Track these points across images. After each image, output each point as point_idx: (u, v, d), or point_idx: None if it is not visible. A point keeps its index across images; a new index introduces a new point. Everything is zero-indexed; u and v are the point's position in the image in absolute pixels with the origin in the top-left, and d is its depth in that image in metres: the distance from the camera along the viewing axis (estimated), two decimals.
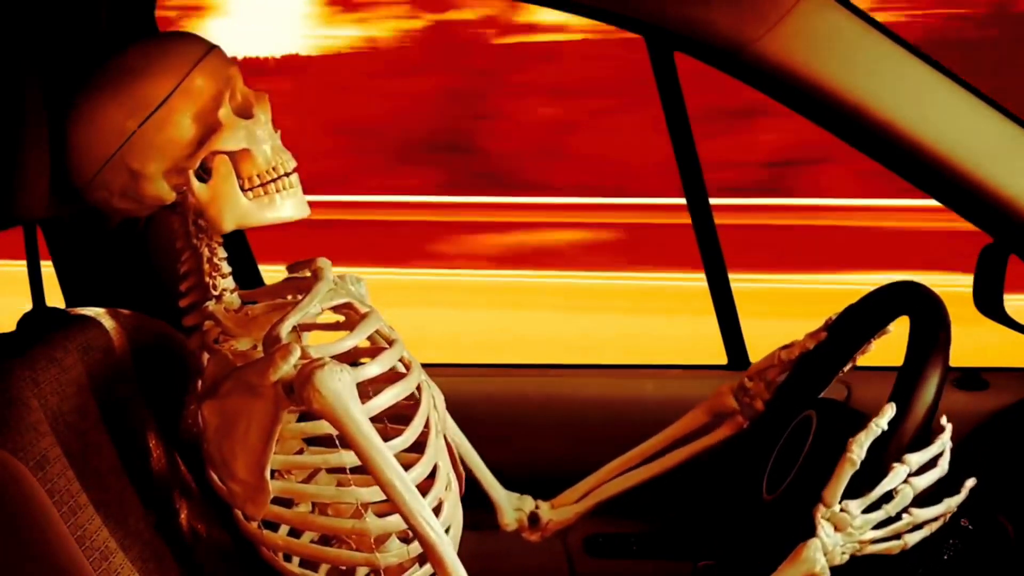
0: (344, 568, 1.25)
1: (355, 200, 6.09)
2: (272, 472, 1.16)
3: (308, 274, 1.28)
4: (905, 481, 1.15)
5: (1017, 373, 1.73)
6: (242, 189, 1.19)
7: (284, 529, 1.23)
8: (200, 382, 1.22)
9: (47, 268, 1.47)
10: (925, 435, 1.18)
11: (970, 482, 1.21)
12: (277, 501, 1.18)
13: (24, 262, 1.38)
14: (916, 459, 1.16)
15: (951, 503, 1.19)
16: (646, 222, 6.00)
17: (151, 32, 1.65)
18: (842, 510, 1.15)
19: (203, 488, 1.33)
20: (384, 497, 1.16)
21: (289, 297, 1.28)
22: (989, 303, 1.44)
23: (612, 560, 1.78)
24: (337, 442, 1.18)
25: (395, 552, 1.21)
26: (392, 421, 1.27)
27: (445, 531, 1.23)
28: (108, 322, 1.29)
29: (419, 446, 1.22)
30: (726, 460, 1.48)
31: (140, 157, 1.17)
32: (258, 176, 1.20)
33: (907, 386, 1.17)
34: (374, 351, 1.24)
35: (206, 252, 1.23)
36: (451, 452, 1.36)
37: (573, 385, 1.88)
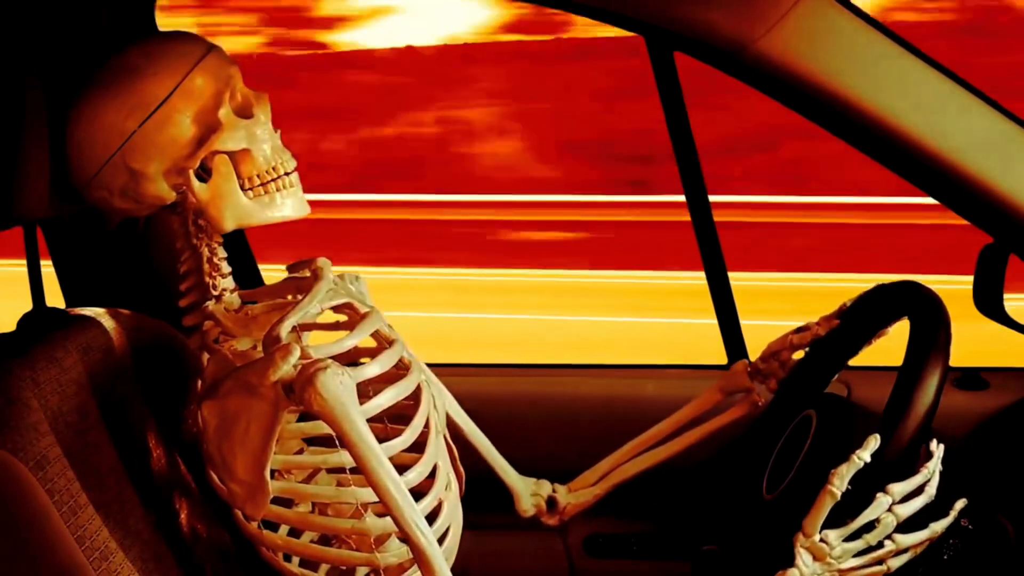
0: (344, 568, 1.25)
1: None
2: (272, 472, 1.16)
3: (308, 274, 1.28)
4: (889, 510, 1.15)
5: (1017, 373, 1.73)
6: (242, 189, 1.19)
7: (284, 529, 1.23)
8: (200, 382, 1.22)
9: (47, 268, 1.47)
10: (924, 436, 1.17)
11: (959, 504, 1.20)
12: (277, 501, 1.18)
13: (24, 262, 1.38)
14: (899, 489, 1.15)
15: (936, 528, 1.18)
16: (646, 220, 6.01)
17: (151, 32, 1.65)
18: (822, 540, 1.15)
19: (203, 488, 1.33)
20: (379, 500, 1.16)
21: (289, 297, 1.28)
22: (989, 303, 1.44)
23: (612, 560, 1.78)
24: (337, 442, 1.18)
25: (395, 552, 1.21)
26: (392, 421, 1.28)
27: (445, 531, 1.23)
28: (108, 322, 1.29)
29: (419, 446, 1.22)
30: (726, 458, 1.48)
31: (140, 157, 1.17)
32: (258, 176, 1.20)
33: (906, 387, 1.17)
34: (374, 351, 1.24)
35: (206, 252, 1.23)
36: (451, 452, 1.36)
37: (573, 385, 1.88)
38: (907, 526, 1.16)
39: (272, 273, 1.53)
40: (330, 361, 1.11)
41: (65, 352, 1.18)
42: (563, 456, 1.74)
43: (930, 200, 1.42)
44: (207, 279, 1.24)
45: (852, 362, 1.44)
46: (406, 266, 6.03)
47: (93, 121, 1.17)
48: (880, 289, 1.36)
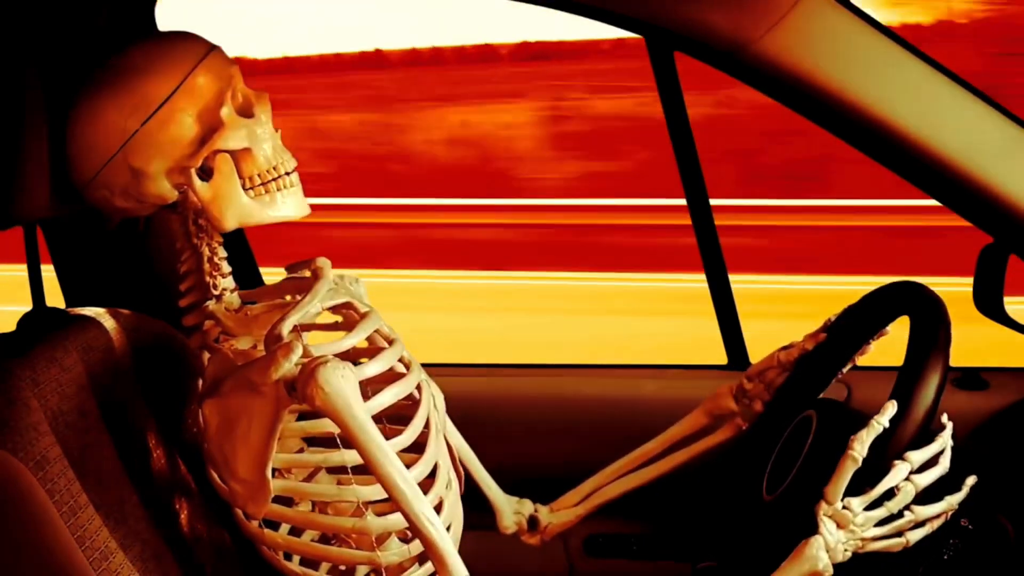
0: (344, 567, 1.25)
1: None
2: (273, 471, 1.16)
3: (308, 274, 1.29)
4: (907, 479, 1.15)
5: (1017, 373, 1.73)
6: (243, 188, 1.19)
7: (285, 528, 1.23)
8: (201, 381, 1.22)
9: (47, 268, 1.47)
10: (925, 435, 1.18)
11: (971, 480, 1.21)
12: (278, 500, 1.18)
13: (24, 265, 1.38)
14: (917, 457, 1.16)
15: (952, 501, 1.19)
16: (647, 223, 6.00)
17: (151, 32, 1.65)
18: (844, 507, 1.15)
19: (203, 488, 1.33)
20: (385, 496, 1.16)
21: (288, 297, 1.28)
22: (989, 303, 1.44)
23: (612, 560, 1.78)
24: (338, 440, 1.18)
25: (396, 551, 1.21)
26: (392, 421, 1.28)
27: (446, 530, 1.23)
28: (108, 322, 1.29)
29: (419, 446, 1.22)
30: (726, 460, 1.48)
31: (142, 156, 1.17)
32: (259, 175, 1.20)
33: (908, 386, 1.17)
34: (374, 351, 1.25)
35: (206, 252, 1.23)
36: (451, 451, 1.36)
37: (573, 385, 1.88)
38: (924, 502, 1.17)
39: (272, 274, 1.53)
40: (331, 356, 1.11)
41: (65, 352, 1.18)
42: (563, 456, 1.74)
43: (931, 202, 1.42)
44: (207, 279, 1.24)
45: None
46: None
47: (95, 120, 1.17)
48: (877, 293, 1.37)
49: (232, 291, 1.26)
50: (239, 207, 1.19)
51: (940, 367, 1.18)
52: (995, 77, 5.83)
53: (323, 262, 1.28)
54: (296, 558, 1.25)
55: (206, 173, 1.19)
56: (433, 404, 1.29)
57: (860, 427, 1.17)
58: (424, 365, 1.32)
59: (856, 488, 1.15)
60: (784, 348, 1.45)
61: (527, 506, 1.52)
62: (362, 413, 1.11)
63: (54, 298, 1.42)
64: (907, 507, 1.16)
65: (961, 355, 1.35)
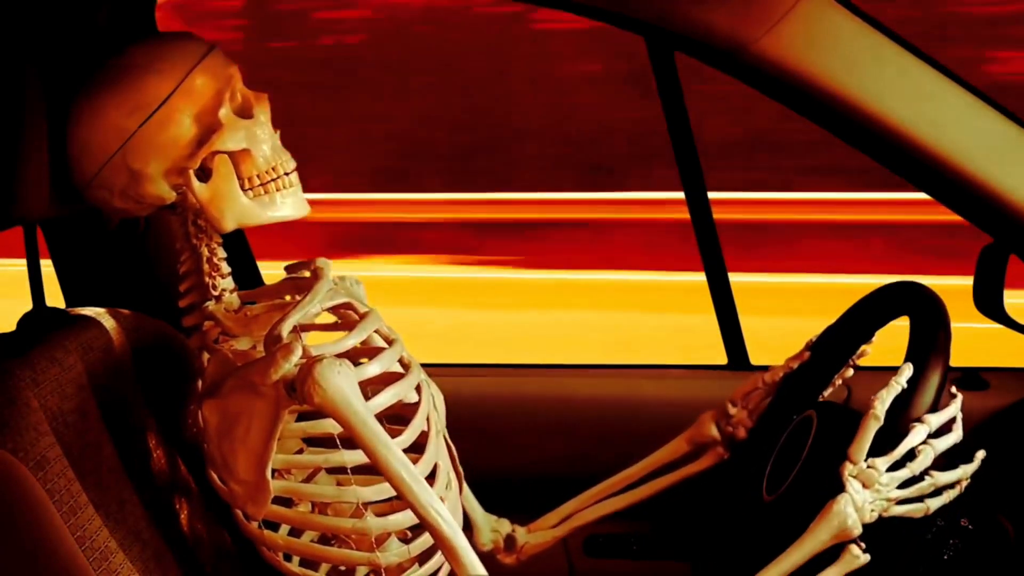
0: (344, 568, 1.25)
1: None
2: (272, 471, 1.16)
3: (307, 274, 1.28)
4: (926, 442, 1.16)
5: (1017, 373, 1.73)
6: (242, 189, 1.20)
7: (284, 529, 1.23)
8: (200, 382, 1.22)
9: (47, 268, 1.47)
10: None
11: (981, 453, 1.22)
12: (277, 501, 1.18)
13: (24, 261, 1.38)
14: (935, 419, 1.17)
15: (967, 469, 1.20)
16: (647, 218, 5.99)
17: (151, 32, 1.65)
18: (869, 467, 1.16)
19: (203, 488, 1.33)
20: (384, 496, 1.16)
21: (288, 298, 1.28)
22: (989, 303, 1.44)
23: (612, 560, 1.78)
24: (337, 441, 1.18)
25: (395, 552, 1.21)
26: (392, 421, 1.27)
27: None
28: (108, 322, 1.29)
29: (419, 446, 1.22)
30: (726, 461, 1.48)
31: (140, 157, 1.17)
32: (258, 176, 1.20)
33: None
34: (374, 351, 1.24)
35: (205, 252, 1.23)
36: (451, 452, 1.36)
37: (573, 385, 1.88)
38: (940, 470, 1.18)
39: (272, 273, 1.53)
40: (328, 353, 1.11)
41: (65, 352, 1.18)
42: (563, 456, 1.74)
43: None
44: (207, 279, 1.24)
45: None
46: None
47: (93, 121, 1.17)
48: (877, 293, 1.37)
49: (232, 291, 1.26)
50: (238, 208, 1.19)
51: (940, 367, 1.18)
52: None
53: (323, 262, 1.28)
54: (296, 559, 1.25)
55: (204, 174, 1.19)
56: (433, 404, 1.29)
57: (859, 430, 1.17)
58: (424, 365, 1.32)
59: (877, 451, 1.16)
60: (767, 371, 1.46)
61: (505, 525, 1.51)
62: (363, 408, 1.11)
63: (54, 298, 1.42)
64: (926, 471, 1.17)
65: (961, 355, 1.35)
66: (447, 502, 1.25)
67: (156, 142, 1.17)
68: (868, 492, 1.16)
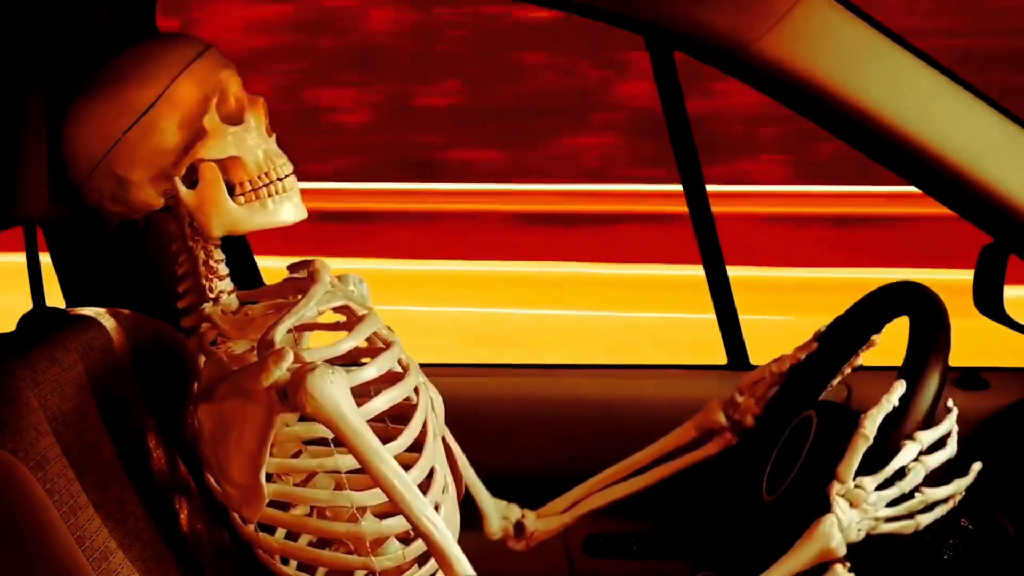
0: (341, 571, 1.25)
1: None
2: (268, 475, 1.16)
3: (306, 275, 1.28)
4: (917, 459, 1.16)
5: (1017, 373, 1.73)
6: (234, 194, 1.19)
7: (281, 532, 1.23)
8: (196, 384, 1.22)
9: (47, 268, 1.47)
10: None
11: (976, 465, 1.21)
12: (273, 504, 1.18)
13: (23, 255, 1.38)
14: (927, 436, 1.16)
15: (961, 484, 1.19)
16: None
17: (151, 32, 1.65)
18: (856, 486, 1.15)
19: (203, 488, 1.33)
20: (380, 500, 1.16)
21: (289, 298, 1.28)
22: (989, 303, 1.44)
23: (612, 560, 1.78)
24: (332, 445, 1.18)
25: (391, 556, 1.20)
26: (392, 421, 1.28)
27: None
28: (108, 322, 1.29)
29: (416, 449, 1.22)
30: (726, 460, 1.48)
31: (125, 163, 1.17)
32: (249, 181, 1.19)
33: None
34: (371, 353, 1.24)
35: (202, 255, 1.23)
36: (450, 455, 1.36)
37: (573, 385, 1.88)
38: (933, 485, 1.18)
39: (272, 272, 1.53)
40: (320, 361, 1.11)
41: (65, 352, 1.18)
42: (563, 456, 1.74)
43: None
44: (203, 281, 1.23)
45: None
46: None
47: (83, 125, 1.17)
48: (877, 293, 1.37)
49: (230, 293, 1.25)
50: (226, 215, 1.18)
51: (939, 369, 1.18)
52: None
53: (320, 264, 1.28)
54: (292, 562, 1.25)
55: (192, 180, 1.18)
56: (431, 407, 1.28)
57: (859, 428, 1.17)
58: (423, 365, 1.32)
59: (867, 469, 1.16)
60: (775, 360, 1.45)
61: (514, 511, 1.51)
62: (354, 417, 1.11)
63: (54, 298, 1.42)
64: (918, 488, 1.16)
65: (961, 355, 1.35)
66: (444, 505, 1.25)
67: (141, 149, 1.16)
68: (855, 511, 1.15)
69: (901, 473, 1.16)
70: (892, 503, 1.16)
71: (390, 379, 1.21)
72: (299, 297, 1.23)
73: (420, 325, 4.58)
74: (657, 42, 1.67)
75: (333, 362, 1.15)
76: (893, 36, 1.33)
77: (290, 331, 1.20)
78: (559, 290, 5.66)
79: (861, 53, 1.32)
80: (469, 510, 1.37)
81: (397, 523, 1.18)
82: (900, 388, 1.17)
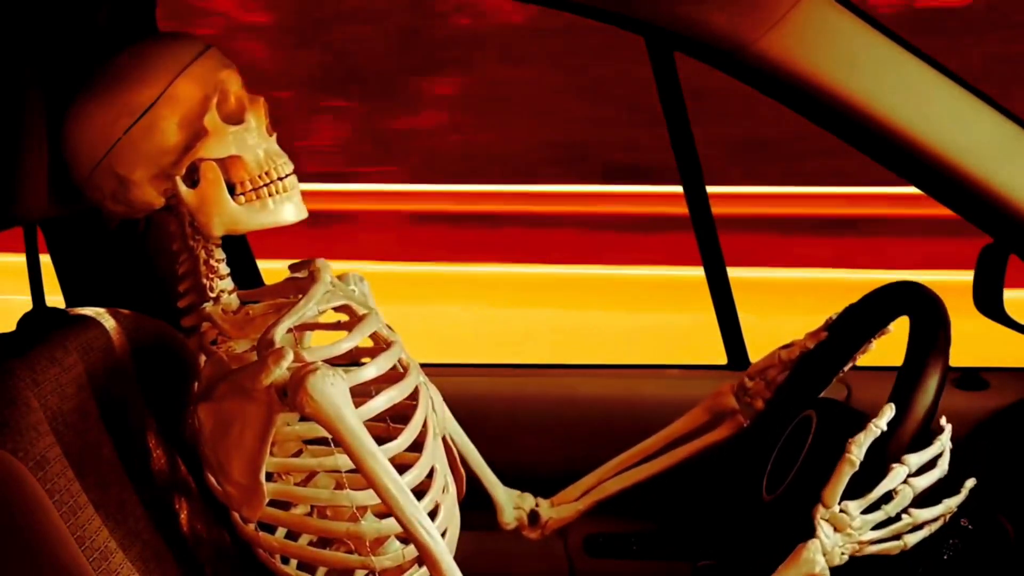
0: (341, 571, 1.25)
1: None
2: (268, 475, 1.16)
3: (306, 274, 1.28)
4: (905, 482, 1.15)
5: (1017, 373, 1.73)
6: (235, 194, 1.19)
7: (281, 531, 1.23)
8: (196, 384, 1.22)
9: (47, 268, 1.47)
10: (925, 436, 1.18)
11: (970, 482, 1.21)
12: (274, 503, 1.18)
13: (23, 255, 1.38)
14: (915, 460, 1.16)
15: (950, 503, 1.19)
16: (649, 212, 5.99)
17: (151, 32, 1.65)
18: (841, 511, 1.15)
19: (203, 488, 1.33)
20: (379, 500, 1.16)
21: (290, 298, 1.28)
22: (989, 303, 1.44)
23: (612, 560, 1.78)
24: (332, 444, 1.18)
25: (391, 555, 1.20)
26: (393, 420, 1.27)
27: (442, 535, 1.23)
28: (108, 322, 1.29)
29: (416, 448, 1.22)
30: (726, 460, 1.48)
31: (126, 163, 1.17)
32: (249, 181, 1.19)
33: (907, 387, 1.17)
34: (371, 352, 1.24)
35: (202, 254, 1.23)
36: (451, 455, 1.35)
37: (573, 385, 1.88)
38: (922, 505, 1.17)
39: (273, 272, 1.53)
40: (320, 363, 1.11)
41: (65, 352, 1.18)
42: (562, 457, 1.74)
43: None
44: (204, 281, 1.23)
45: None
46: None
47: (84, 124, 1.17)
48: (876, 293, 1.37)
49: (230, 292, 1.25)
50: (226, 214, 1.18)
51: (939, 369, 1.18)
52: None
53: (321, 263, 1.28)
54: (293, 562, 1.25)
55: (192, 180, 1.18)
56: (431, 407, 1.28)
57: (860, 428, 1.17)
58: (423, 365, 1.32)
59: (854, 490, 1.15)
60: (785, 346, 1.45)
61: (528, 500, 1.52)
62: (353, 419, 1.11)
63: (54, 298, 1.42)
64: (905, 510, 1.16)
65: (961, 355, 1.35)
66: (444, 505, 1.25)
67: (141, 149, 1.16)
68: (839, 536, 1.15)
69: (888, 496, 1.15)
70: (878, 526, 1.16)
71: (390, 379, 1.22)
72: (300, 297, 1.23)
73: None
74: (657, 42, 1.67)
75: (333, 362, 1.15)
76: (893, 36, 1.33)
77: (290, 331, 1.20)
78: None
79: (861, 53, 1.32)
80: (470, 510, 1.37)
81: (397, 523, 1.18)
82: (889, 412, 1.16)
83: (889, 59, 1.32)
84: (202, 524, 1.34)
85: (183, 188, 1.18)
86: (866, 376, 1.64)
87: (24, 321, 1.29)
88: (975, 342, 1.81)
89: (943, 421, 1.20)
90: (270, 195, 1.20)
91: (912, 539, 1.18)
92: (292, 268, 1.31)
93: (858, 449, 1.15)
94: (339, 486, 1.21)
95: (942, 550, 1.25)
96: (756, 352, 1.82)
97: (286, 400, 1.10)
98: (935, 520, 1.19)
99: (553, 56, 6.40)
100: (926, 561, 1.24)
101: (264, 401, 1.11)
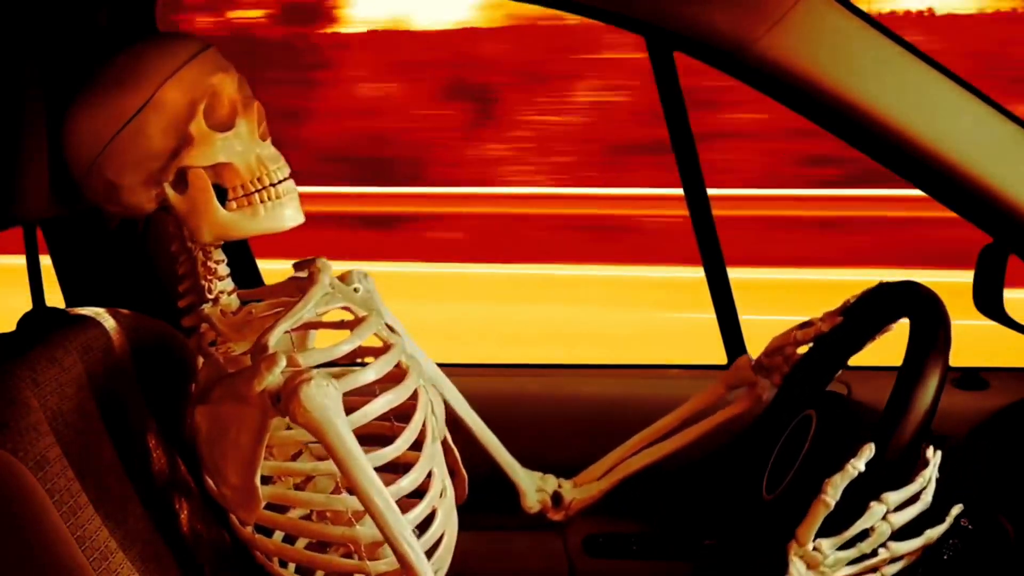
0: (338, 574, 1.25)
1: None
2: (266, 478, 1.16)
3: (307, 274, 1.28)
4: (883, 518, 1.15)
5: (1017, 373, 1.73)
6: (227, 199, 1.18)
7: (278, 535, 1.23)
8: (194, 385, 1.22)
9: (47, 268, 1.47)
10: (924, 436, 1.17)
11: (955, 510, 1.21)
12: (271, 506, 1.18)
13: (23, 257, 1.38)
14: (894, 498, 1.15)
15: (932, 535, 1.19)
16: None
17: (151, 32, 1.65)
18: (815, 548, 1.15)
19: (203, 488, 1.33)
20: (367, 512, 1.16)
21: (292, 298, 1.27)
22: (989, 303, 1.44)
23: (612, 560, 1.78)
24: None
25: (387, 560, 1.20)
26: (395, 419, 1.27)
27: (439, 539, 1.23)
28: (108, 322, 1.29)
29: (413, 453, 1.22)
30: (726, 459, 1.48)
31: (115, 167, 1.17)
32: (241, 187, 1.18)
33: (907, 387, 1.17)
34: (371, 353, 1.24)
35: (200, 256, 1.22)
36: (451, 457, 1.35)
37: (573, 385, 1.88)
38: (903, 532, 1.17)
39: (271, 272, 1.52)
40: (315, 372, 1.10)
41: (65, 352, 1.18)
42: (562, 457, 1.74)
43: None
44: (202, 282, 1.23)
45: (852, 362, 1.44)
46: None
47: (76, 128, 1.18)
48: (881, 288, 1.36)
49: (230, 293, 1.25)
50: (215, 221, 1.18)
51: (939, 369, 1.17)
52: None
53: (322, 264, 1.27)
54: (291, 565, 1.25)
55: (182, 186, 1.18)
56: (431, 409, 1.28)
57: (861, 423, 1.17)
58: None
59: (831, 527, 1.15)
60: (801, 326, 1.44)
61: (550, 482, 1.51)
62: (344, 430, 1.10)
63: (54, 298, 1.42)
64: (882, 544, 1.16)
65: (961, 355, 1.34)
66: (440, 510, 1.25)
67: (128, 154, 1.16)
68: (812, 573, 1.15)
69: (864, 533, 1.15)
70: (854, 560, 1.16)
71: (389, 381, 1.21)
72: (299, 298, 1.22)
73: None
74: (657, 42, 1.67)
75: (330, 365, 1.15)
76: (893, 36, 1.33)
77: (287, 333, 1.19)
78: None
79: (861, 53, 1.32)
80: (471, 510, 1.37)
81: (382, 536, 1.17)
82: (868, 452, 1.15)
83: (889, 59, 1.32)
84: (202, 524, 1.34)
85: (172, 194, 1.18)
86: (866, 376, 1.64)
87: (24, 321, 1.29)
88: (975, 342, 1.81)
89: (929, 452, 1.19)
90: (261, 201, 1.19)
91: (890, 570, 1.17)
92: (296, 267, 1.30)
93: (833, 490, 1.14)
94: (336, 490, 1.21)
95: (942, 550, 1.25)
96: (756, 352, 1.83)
97: (279, 406, 1.10)
98: (915, 552, 1.18)
99: None
100: (926, 561, 1.24)
101: (258, 405, 1.11)
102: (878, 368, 1.61)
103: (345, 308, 1.25)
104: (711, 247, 1.84)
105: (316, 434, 1.10)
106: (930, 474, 1.18)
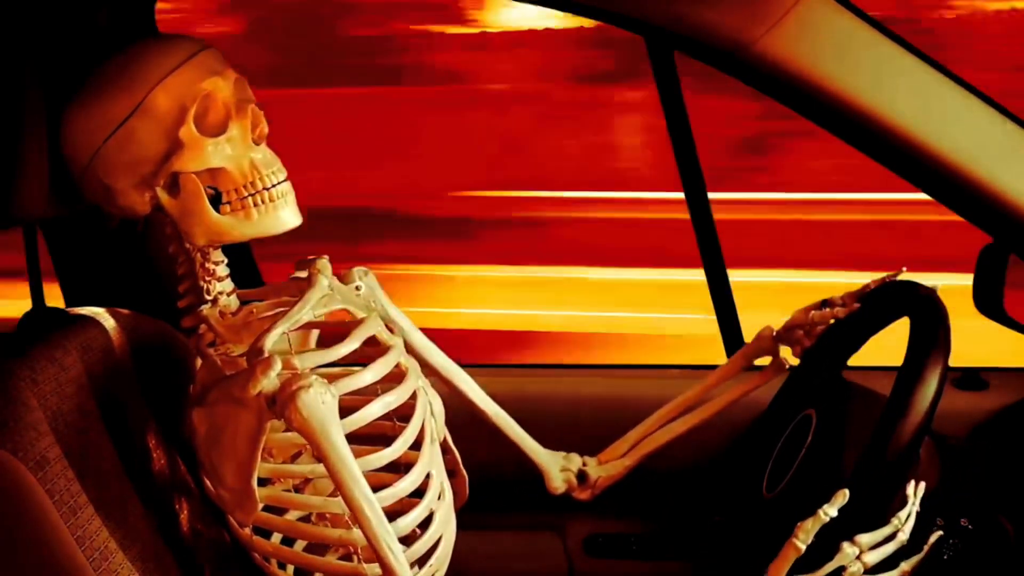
0: None
1: None
2: (263, 480, 1.16)
3: (307, 275, 1.27)
4: (857, 557, 1.15)
5: (1017, 373, 1.73)
6: (221, 203, 1.18)
7: (276, 536, 1.23)
8: (192, 386, 1.22)
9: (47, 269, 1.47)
10: (923, 433, 1.17)
11: (933, 537, 1.21)
12: (268, 508, 1.18)
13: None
14: (867, 540, 1.15)
15: (905, 567, 1.19)
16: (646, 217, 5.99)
17: (151, 32, 1.65)
18: None
19: (203, 488, 1.33)
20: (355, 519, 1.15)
21: (293, 298, 1.27)
22: (989, 303, 1.44)
23: (612, 560, 1.78)
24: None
25: None
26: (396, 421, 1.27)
27: (436, 541, 1.23)
28: (108, 322, 1.29)
29: (411, 456, 1.21)
30: (727, 458, 1.48)
31: (108, 171, 1.17)
32: (235, 191, 1.18)
33: (907, 387, 1.17)
34: (370, 356, 1.23)
35: (199, 257, 1.22)
36: (452, 459, 1.35)
37: (573, 385, 1.88)
38: (879, 565, 1.17)
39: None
40: (314, 378, 1.10)
41: (65, 352, 1.18)
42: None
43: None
44: (201, 283, 1.23)
45: (852, 362, 1.44)
46: None
47: (71, 131, 1.18)
48: (876, 292, 1.36)
49: (229, 294, 1.25)
50: (208, 225, 1.18)
51: (939, 369, 1.17)
52: None
53: (322, 264, 1.27)
54: (289, 567, 1.25)
55: (174, 190, 1.18)
56: (430, 411, 1.28)
57: (860, 426, 1.17)
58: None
59: (803, 566, 1.15)
60: (820, 306, 1.43)
61: (575, 461, 1.49)
62: (337, 438, 1.10)
63: (54, 298, 1.42)
64: None
65: (961, 355, 1.34)
66: (438, 513, 1.25)
67: (120, 158, 1.16)
68: None
69: (837, 573, 1.15)
70: None
71: (387, 382, 1.21)
72: (297, 299, 1.22)
73: None
74: (657, 42, 1.67)
75: (329, 365, 1.15)
76: (893, 36, 1.33)
77: (285, 335, 1.19)
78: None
79: (861, 53, 1.32)
80: (471, 510, 1.37)
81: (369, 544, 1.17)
82: (840, 499, 1.14)
83: (889, 59, 1.32)
84: (202, 524, 1.34)
85: (165, 198, 1.17)
86: (866, 376, 1.64)
87: (24, 321, 1.29)
88: (975, 342, 1.81)
89: (909, 489, 1.19)
90: (255, 205, 1.18)
91: None
92: (297, 266, 1.30)
93: (805, 535, 1.14)
94: (334, 492, 1.21)
95: (942, 550, 1.25)
96: None
97: (274, 409, 1.10)
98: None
99: None
100: (926, 561, 1.24)
101: (254, 408, 1.11)
102: (878, 368, 1.61)
103: (343, 311, 1.25)
104: (712, 249, 1.84)
105: (310, 440, 1.10)
106: (908, 512, 1.17)
